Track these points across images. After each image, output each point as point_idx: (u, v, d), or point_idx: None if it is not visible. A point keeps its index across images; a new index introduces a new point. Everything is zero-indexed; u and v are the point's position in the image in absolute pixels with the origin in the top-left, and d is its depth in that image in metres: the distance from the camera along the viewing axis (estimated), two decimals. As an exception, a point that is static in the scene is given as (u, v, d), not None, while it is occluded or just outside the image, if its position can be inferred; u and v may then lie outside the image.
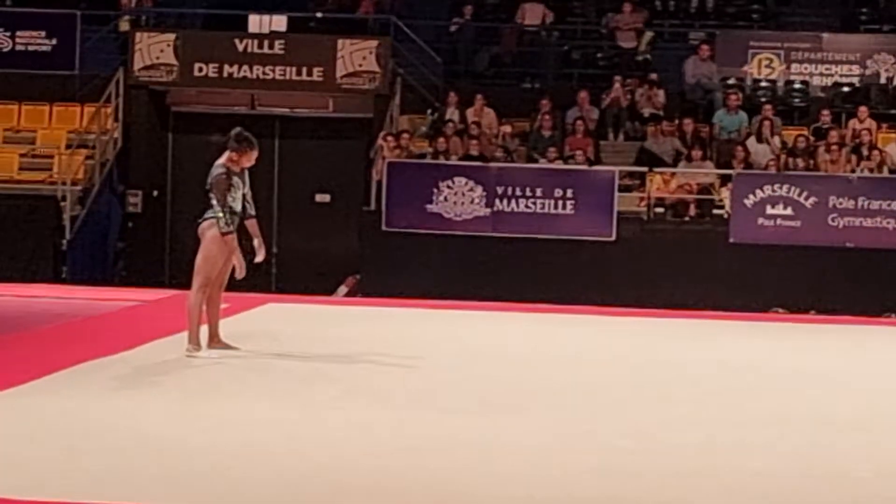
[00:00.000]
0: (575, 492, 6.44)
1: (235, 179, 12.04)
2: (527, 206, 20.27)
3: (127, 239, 22.24)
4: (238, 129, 13.17)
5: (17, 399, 8.69)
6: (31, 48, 22.65)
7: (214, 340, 11.90)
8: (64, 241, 20.57)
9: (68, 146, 21.84)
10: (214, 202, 11.91)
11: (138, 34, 22.30)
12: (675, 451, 7.87)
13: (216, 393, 9.82)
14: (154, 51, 22.12)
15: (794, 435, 8.97)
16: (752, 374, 11.97)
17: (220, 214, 11.78)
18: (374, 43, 22.24)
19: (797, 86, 22.54)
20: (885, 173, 20.56)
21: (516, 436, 8.73)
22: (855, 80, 22.49)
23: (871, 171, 20.63)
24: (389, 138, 21.28)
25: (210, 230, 11.91)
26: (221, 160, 12.12)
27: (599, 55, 23.74)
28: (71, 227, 20.75)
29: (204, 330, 11.94)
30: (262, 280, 20.18)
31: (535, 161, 21.04)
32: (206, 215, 12.04)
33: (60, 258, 20.39)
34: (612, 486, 6.73)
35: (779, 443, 8.63)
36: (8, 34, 22.62)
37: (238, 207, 12.05)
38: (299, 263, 21.71)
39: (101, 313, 14.38)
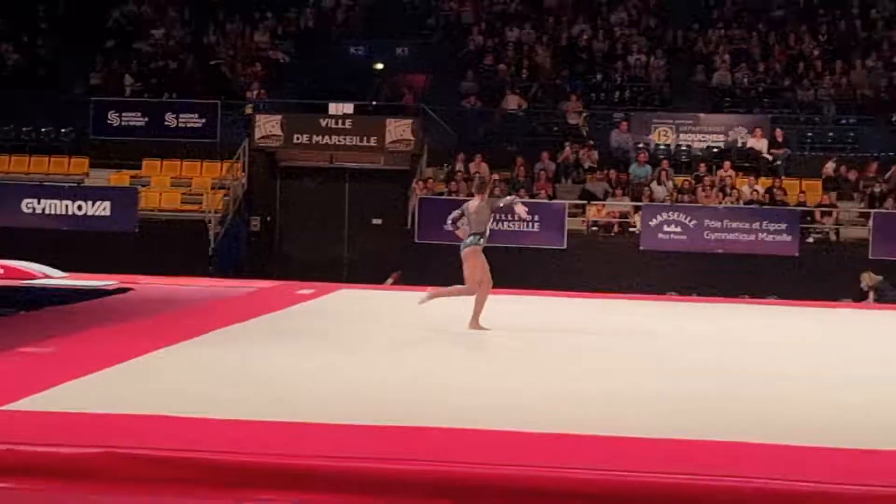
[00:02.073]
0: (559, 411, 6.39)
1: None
2: (508, 226, 20.36)
3: (250, 248, 22.38)
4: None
5: (185, 349, 8.54)
6: (189, 125, 22.69)
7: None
8: (210, 250, 20.72)
9: (212, 188, 21.95)
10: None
11: (258, 116, 22.34)
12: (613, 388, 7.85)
13: (316, 345, 10.06)
14: (267, 126, 22.19)
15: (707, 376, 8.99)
16: (667, 338, 11.24)
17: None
18: (409, 121, 22.22)
19: (683, 148, 22.57)
20: (740, 204, 20.83)
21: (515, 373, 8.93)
22: (721, 144, 22.55)
23: (731, 203, 20.91)
24: (420, 183, 21.51)
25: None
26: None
27: (556, 128, 23.62)
28: (214, 241, 20.88)
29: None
30: (338, 275, 20.43)
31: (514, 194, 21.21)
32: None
33: (208, 261, 20.44)
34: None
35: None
36: (174, 116, 22.77)
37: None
38: (361, 263, 21.80)
39: (234, 296, 14.34)
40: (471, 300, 11.20)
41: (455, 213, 11.70)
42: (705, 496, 4.46)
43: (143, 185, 21.99)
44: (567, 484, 4.48)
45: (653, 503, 4.45)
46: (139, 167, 22.58)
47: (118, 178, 22.28)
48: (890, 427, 6.11)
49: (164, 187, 22.21)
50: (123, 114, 23.08)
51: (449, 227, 12.02)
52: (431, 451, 4.84)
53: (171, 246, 20.08)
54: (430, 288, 12.28)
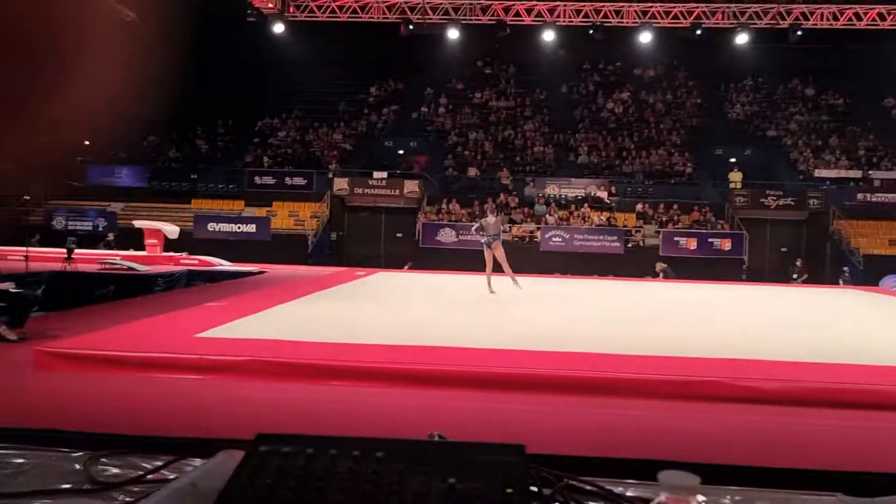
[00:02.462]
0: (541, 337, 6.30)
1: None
2: (470, 236, 20.48)
3: (331, 249, 22.24)
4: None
5: (296, 304, 8.58)
6: (297, 183, 22.70)
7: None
8: (309, 249, 20.72)
9: (311, 217, 21.89)
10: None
11: (335, 178, 22.46)
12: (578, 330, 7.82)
13: (367, 301, 10.12)
14: (340, 184, 22.29)
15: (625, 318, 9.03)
16: (574, 296, 11.66)
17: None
18: (417, 181, 22.35)
19: (563, 196, 22.63)
20: (593, 226, 20.92)
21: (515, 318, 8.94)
22: (582, 194, 22.58)
23: (588, 225, 20.99)
24: (422, 214, 21.59)
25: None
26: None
27: (495, 185, 23.63)
28: (311, 246, 20.85)
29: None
30: (378, 264, 20.48)
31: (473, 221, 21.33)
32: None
33: (307, 256, 20.43)
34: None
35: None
36: (290, 178, 22.75)
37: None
38: (391, 258, 21.80)
39: (322, 275, 14.15)
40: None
41: (477, 225, 11.98)
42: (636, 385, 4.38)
43: (273, 216, 21.91)
44: (552, 379, 4.42)
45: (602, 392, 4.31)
46: (271, 206, 22.49)
47: (260, 211, 22.22)
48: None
49: (284, 216, 22.09)
50: (263, 177, 23.14)
51: (474, 233, 12.07)
52: (443, 359, 4.87)
53: (288, 249, 20.00)
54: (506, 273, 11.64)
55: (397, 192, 22.29)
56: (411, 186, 22.28)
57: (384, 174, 22.64)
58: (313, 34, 25.04)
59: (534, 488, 0.91)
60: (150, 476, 1.15)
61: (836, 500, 0.98)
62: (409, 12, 21.13)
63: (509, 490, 0.76)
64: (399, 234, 22.80)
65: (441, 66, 27.28)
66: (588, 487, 0.93)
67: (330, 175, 23.08)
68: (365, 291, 11.11)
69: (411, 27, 20.98)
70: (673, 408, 4.09)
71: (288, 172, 23.39)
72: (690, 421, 3.90)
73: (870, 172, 23.20)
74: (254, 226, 20.97)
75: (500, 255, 11.36)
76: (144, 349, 4.86)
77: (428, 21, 21.19)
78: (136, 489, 1.08)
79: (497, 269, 11.62)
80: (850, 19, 20.50)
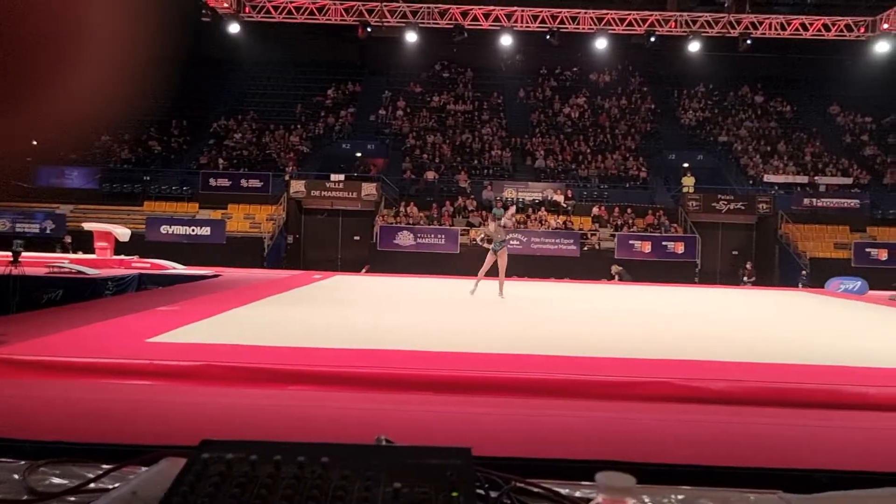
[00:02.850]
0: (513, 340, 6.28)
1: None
2: (427, 239, 20.51)
3: (287, 252, 22.08)
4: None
5: (251, 307, 8.47)
6: (254, 185, 22.47)
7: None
8: (265, 252, 20.47)
9: (266, 220, 21.65)
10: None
11: (292, 182, 22.24)
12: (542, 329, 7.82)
13: (324, 304, 10.02)
14: (297, 186, 22.07)
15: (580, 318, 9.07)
16: (542, 299, 11.78)
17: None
18: (374, 184, 22.29)
19: (520, 200, 22.77)
20: (550, 229, 21.10)
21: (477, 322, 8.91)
22: (539, 198, 22.78)
23: (545, 228, 21.16)
24: (379, 217, 21.49)
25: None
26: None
27: (453, 189, 23.58)
28: (266, 249, 20.62)
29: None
30: (334, 267, 20.37)
31: (431, 224, 21.28)
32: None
33: (263, 260, 20.20)
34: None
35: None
36: (246, 181, 22.47)
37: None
38: (348, 261, 21.72)
39: (278, 279, 13.98)
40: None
41: (483, 235, 11.79)
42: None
43: (228, 218, 21.60)
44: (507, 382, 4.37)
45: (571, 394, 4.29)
46: (226, 208, 22.18)
47: (214, 214, 21.88)
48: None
49: (239, 219, 21.80)
50: (218, 179, 22.80)
51: (480, 242, 11.95)
52: (394, 362, 4.84)
53: (243, 252, 19.79)
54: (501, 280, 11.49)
55: (355, 194, 22.17)
56: (369, 189, 22.18)
57: (341, 177, 22.50)
58: (270, 35, 24.80)
59: (481, 491, 0.91)
60: (91, 485, 1.12)
61: (776, 498, 1.00)
62: (366, 15, 21.06)
63: (454, 494, 0.76)
64: (356, 237, 22.71)
65: (399, 69, 27.30)
66: (535, 489, 0.94)
67: (286, 177, 22.86)
68: (321, 295, 10.99)
69: (369, 30, 20.91)
70: (623, 408, 4.13)
71: (243, 175, 23.09)
72: (641, 422, 3.95)
73: (815, 178, 23.92)
74: (208, 228, 20.62)
75: (502, 263, 11.27)
76: (92, 354, 4.72)
77: (386, 24, 21.14)
78: (74, 499, 1.05)
79: (491, 273, 11.52)
80: (796, 29, 21.12)
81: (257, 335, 6.02)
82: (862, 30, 21.10)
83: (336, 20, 21.34)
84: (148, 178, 23.48)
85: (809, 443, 3.51)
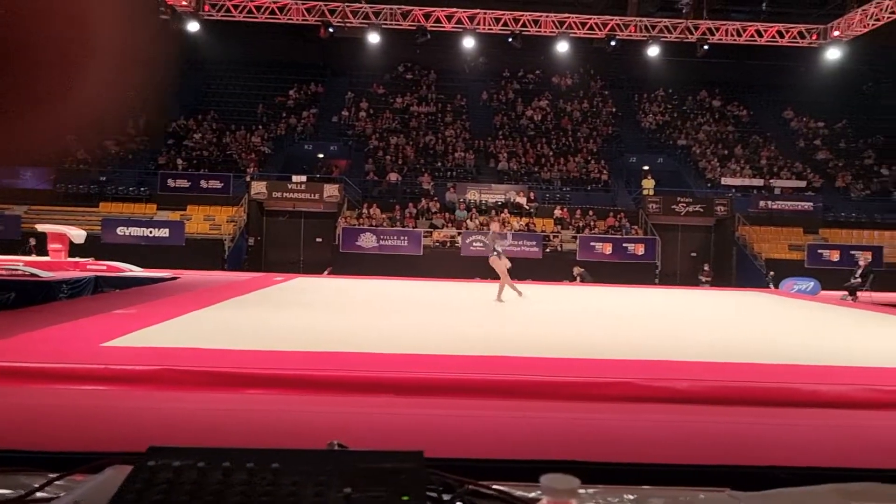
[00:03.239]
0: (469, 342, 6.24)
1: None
2: (390, 241, 20.45)
3: (248, 254, 21.83)
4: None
5: (210, 311, 8.32)
6: (214, 187, 22.17)
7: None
8: (225, 255, 20.20)
9: (227, 221, 21.38)
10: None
11: (253, 182, 22.00)
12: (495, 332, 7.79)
13: (284, 307, 9.92)
14: (258, 187, 21.86)
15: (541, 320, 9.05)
16: (508, 303, 11.97)
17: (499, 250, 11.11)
18: (336, 186, 22.16)
19: (483, 202, 22.85)
20: (513, 231, 21.19)
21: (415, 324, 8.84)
22: (502, 200, 22.88)
23: (508, 230, 21.26)
24: (342, 219, 21.38)
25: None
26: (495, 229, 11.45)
27: (416, 191, 23.61)
28: (227, 251, 20.33)
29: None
30: (297, 269, 20.19)
31: (394, 225, 21.23)
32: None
33: (223, 262, 19.93)
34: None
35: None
36: (206, 181, 22.17)
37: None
38: (310, 263, 21.57)
39: (238, 281, 13.78)
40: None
41: (489, 244, 11.72)
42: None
43: (187, 220, 21.23)
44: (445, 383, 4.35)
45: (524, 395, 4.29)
46: (185, 209, 21.83)
47: (173, 215, 21.50)
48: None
49: (199, 221, 21.46)
50: (177, 180, 22.45)
51: (488, 251, 11.83)
52: (353, 364, 4.81)
53: (203, 254, 19.49)
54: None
55: (317, 196, 22.01)
56: (331, 191, 22.04)
57: (303, 178, 22.31)
58: (230, 34, 24.47)
59: (434, 494, 0.91)
60: (37, 494, 1.08)
61: (725, 496, 1.02)
62: (328, 15, 20.90)
63: (405, 498, 0.76)
64: (319, 239, 22.55)
65: (362, 71, 27.19)
66: (488, 492, 0.94)
67: (247, 178, 22.60)
68: (283, 297, 10.87)
69: (331, 30, 20.76)
70: (586, 409, 4.16)
71: (203, 175, 22.76)
72: (604, 422, 3.98)
73: (771, 181, 24.47)
74: (167, 230, 20.26)
75: (497, 268, 11.36)
76: (45, 359, 4.59)
77: (348, 25, 21.02)
78: (16, 509, 1.01)
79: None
80: (751, 36, 21.58)
81: (216, 339, 5.92)
82: (814, 37, 21.65)
83: (298, 20, 21.14)
84: (104, 178, 22.98)
85: (766, 440, 3.59)
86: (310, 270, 19.84)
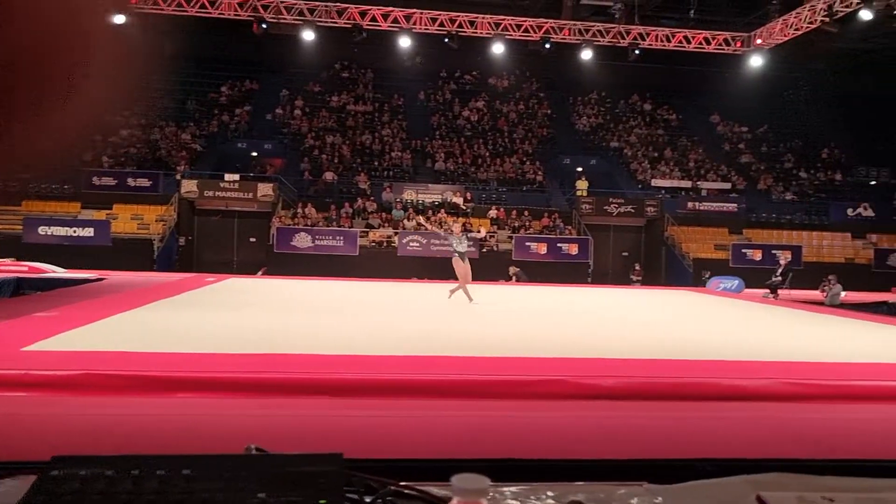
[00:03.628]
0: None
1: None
2: (326, 241, 20.26)
3: (178, 255, 21.30)
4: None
5: (135, 313, 8.17)
6: (142, 185, 21.55)
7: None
8: (154, 255, 19.67)
9: (156, 220, 20.83)
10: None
11: (183, 181, 21.47)
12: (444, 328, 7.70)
13: (215, 308, 9.72)
14: (189, 186, 21.35)
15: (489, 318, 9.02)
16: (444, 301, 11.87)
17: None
18: (270, 185, 21.82)
19: (420, 202, 22.81)
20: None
21: (349, 325, 8.72)
22: (439, 200, 22.89)
23: (445, 231, 21.29)
24: (276, 219, 21.07)
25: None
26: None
27: (353, 190, 23.48)
28: (156, 251, 19.82)
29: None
30: (230, 270, 19.80)
31: (330, 225, 21.04)
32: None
33: (153, 262, 19.40)
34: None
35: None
36: (134, 179, 21.55)
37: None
38: (244, 263, 21.19)
39: (169, 282, 13.49)
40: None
41: (453, 246, 11.47)
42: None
43: (114, 219, 20.55)
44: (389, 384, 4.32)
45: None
46: (111, 208, 21.11)
47: (99, 214, 20.75)
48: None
49: (126, 220, 20.80)
50: (102, 178, 21.67)
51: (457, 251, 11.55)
52: (281, 366, 4.73)
53: (131, 254, 18.83)
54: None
55: (250, 195, 21.61)
56: (265, 190, 21.68)
57: (236, 177, 21.86)
58: (159, 27, 23.73)
59: (354, 496, 0.90)
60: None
61: (642, 489, 1.04)
62: (262, 11, 20.54)
63: (322, 501, 0.75)
64: (252, 239, 22.17)
65: (297, 68, 26.78)
66: (410, 492, 0.93)
67: (178, 176, 22.01)
68: (214, 298, 10.65)
69: (265, 26, 20.39)
70: (520, 407, 4.20)
71: (131, 173, 22.06)
72: (536, 419, 4.03)
73: (698, 183, 25.28)
74: (92, 229, 19.55)
75: (457, 270, 11.27)
76: (-44, 366, 4.37)
77: (282, 21, 20.70)
78: None
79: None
80: (680, 42, 22.25)
81: (143, 341, 5.75)
82: (738, 44, 22.48)
83: (230, 15, 20.68)
84: (26, 175, 21.98)
85: (691, 434, 3.70)
86: (243, 271, 19.48)
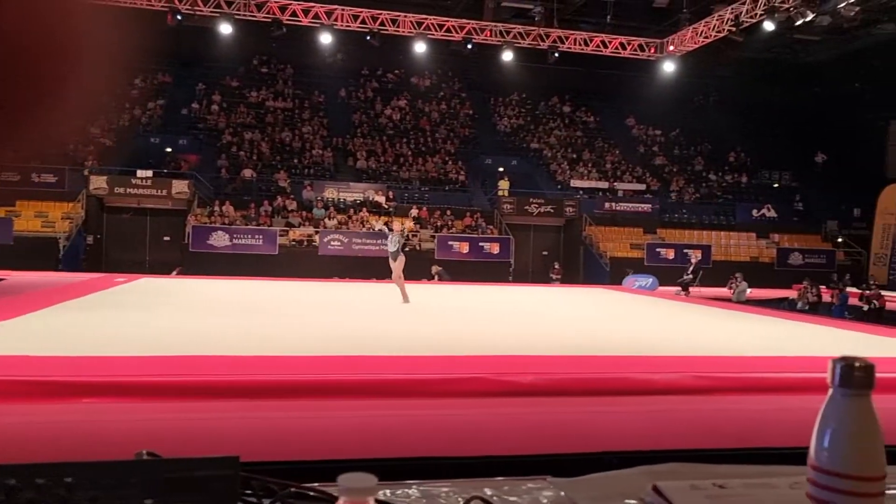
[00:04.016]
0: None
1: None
2: (244, 240, 19.84)
3: (86, 254, 20.39)
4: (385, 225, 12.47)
5: (38, 316, 7.92)
6: (47, 181, 20.46)
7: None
8: (60, 254, 18.79)
9: (62, 218, 19.90)
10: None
11: (92, 176, 20.58)
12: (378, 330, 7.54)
13: (124, 309, 9.40)
14: (98, 182, 20.49)
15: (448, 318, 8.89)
16: (369, 300, 11.73)
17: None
18: (186, 182, 21.17)
19: (341, 201, 22.59)
20: (371, 230, 21.15)
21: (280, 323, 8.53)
22: (361, 198, 22.68)
23: (367, 229, 21.18)
24: (192, 217, 20.48)
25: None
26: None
27: (272, 188, 23.07)
28: (62, 250, 18.97)
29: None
30: (142, 270, 19.14)
31: (248, 224, 20.61)
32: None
33: (58, 262, 18.53)
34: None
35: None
36: (38, 175, 20.30)
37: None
38: (157, 263, 20.48)
39: (75, 283, 12.97)
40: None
41: (389, 245, 11.50)
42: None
43: (16, 216, 19.47)
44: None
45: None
46: (13, 205, 20.00)
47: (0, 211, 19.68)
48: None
49: (30, 217, 19.76)
50: (3, 173, 20.35)
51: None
52: (192, 369, 4.58)
53: (35, 253, 17.85)
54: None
55: (164, 192, 20.90)
56: (180, 187, 21.00)
57: (149, 173, 21.09)
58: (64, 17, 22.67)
59: (253, 500, 0.88)
60: None
61: (546, 483, 1.06)
62: (176, 2, 19.87)
63: (215, 506, 0.73)
64: (166, 238, 21.46)
65: (214, 62, 26.08)
66: (311, 493, 0.92)
67: (85, 172, 21.07)
68: (124, 299, 10.24)
69: (179, 18, 19.73)
70: (440, 405, 4.22)
71: (34, 168, 20.86)
72: (455, 417, 4.05)
73: (615, 184, 26.05)
74: (-9, 227, 18.49)
75: (395, 269, 11.26)
76: None
77: (198, 13, 20.09)
78: None
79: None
80: (597, 46, 22.84)
81: (46, 345, 5.47)
82: (652, 50, 23.27)
83: (142, 5, 19.90)
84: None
85: (603, 428, 3.80)
86: (157, 271, 18.79)
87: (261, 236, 20.00)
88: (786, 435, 3.06)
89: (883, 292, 16.51)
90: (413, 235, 21.57)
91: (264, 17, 20.46)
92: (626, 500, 0.98)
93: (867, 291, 16.33)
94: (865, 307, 15.47)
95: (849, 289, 17.08)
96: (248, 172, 23.07)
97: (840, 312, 15.02)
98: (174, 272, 18.24)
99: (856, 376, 0.78)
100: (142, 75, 26.22)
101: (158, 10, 19.62)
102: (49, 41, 0.75)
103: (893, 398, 4.35)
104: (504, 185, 24.56)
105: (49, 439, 3.33)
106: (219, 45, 23.10)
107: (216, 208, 20.89)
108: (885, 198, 24.41)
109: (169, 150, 23.96)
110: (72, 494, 0.71)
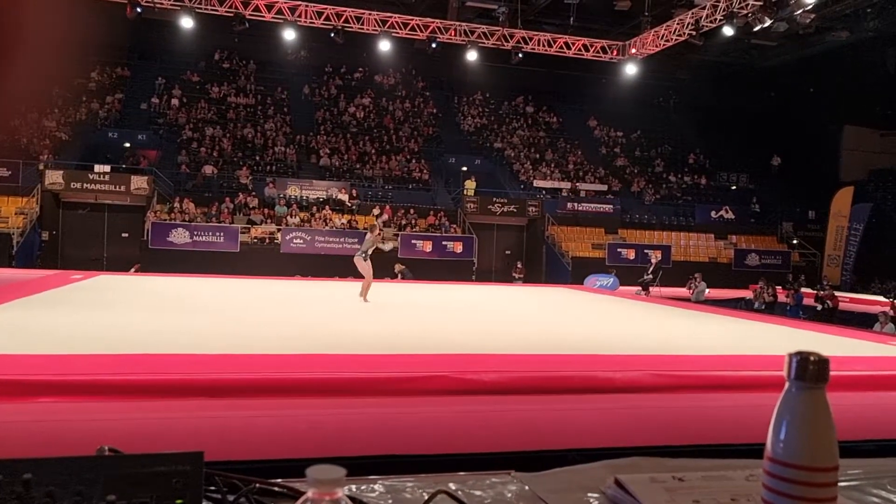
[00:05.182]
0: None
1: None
2: (205, 237, 19.55)
3: (42, 251, 19.89)
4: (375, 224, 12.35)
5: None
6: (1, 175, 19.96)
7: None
8: (13, 250, 18.29)
9: (16, 213, 19.37)
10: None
11: (47, 171, 20.05)
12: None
13: (79, 307, 9.19)
14: (53, 177, 19.96)
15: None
16: (332, 299, 11.68)
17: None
18: (145, 178, 20.77)
19: (304, 198, 22.42)
20: (335, 228, 21.02)
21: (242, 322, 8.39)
22: (324, 196, 22.52)
23: (330, 227, 21.05)
24: (151, 213, 20.10)
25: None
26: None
27: (234, 185, 22.76)
28: (16, 246, 18.44)
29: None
30: (99, 267, 18.77)
31: (209, 221, 20.31)
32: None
33: (11, 257, 18.04)
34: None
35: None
36: (-10, 168, 19.91)
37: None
38: (116, 259, 20.09)
39: (29, 279, 12.62)
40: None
41: (361, 246, 11.44)
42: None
43: (-33, 212, 18.95)
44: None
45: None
46: (-37, 200, 19.44)
47: (-52, 206, 19.05)
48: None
49: (-20, 213, 19.24)
50: (-47, 166, 19.90)
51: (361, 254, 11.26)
52: (152, 367, 4.50)
53: (-13, 250, 17.45)
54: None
55: (123, 188, 20.49)
56: (139, 183, 20.61)
57: (107, 168, 20.68)
58: (17, 5, 22.04)
59: (217, 496, 0.87)
60: None
61: (510, 478, 1.07)
62: (136, -6, 19.45)
63: (179, 501, 0.72)
64: (125, 235, 21.08)
65: (174, 56, 25.66)
66: (277, 489, 0.92)
67: (41, 167, 20.54)
68: (80, 297, 9.99)
69: (139, 10, 19.32)
70: (401, 403, 4.21)
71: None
72: (416, 414, 4.05)
73: (577, 185, 26.30)
74: (-60, 223, 17.91)
75: (363, 270, 11.20)
76: None
77: (158, 6, 19.71)
78: None
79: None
80: (561, 47, 23.03)
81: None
82: (615, 52, 23.54)
83: (101, -4, 19.46)
84: None
85: (565, 425, 3.84)
86: (114, 268, 18.44)
87: (222, 234, 19.73)
88: (743, 431, 3.12)
89: (836, 293, 16.97)
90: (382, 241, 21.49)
91: (226, 12, 20.15)
92: (589, 493, 1.00)
93: (821, 292, 16.77)
94: (819, 307, 15.89)
95: (804, 289, 17.51)
96: (209, 169, 22.73)
97: (795, 312, 15.40)
98: (133, 269, 17.89)
99: (811, 370, 0.81)
100: (99, 68, 25.67)
101: (117, 2, 19.16)
102: None
103: (845, 395, 4.50)
104: (470, 185, 24.61)
105: (4, 440, 3.24)
106: (179, 39, 22.72)
107: (176, 205, 20.54)
108: (839, 200, 25.11)
109: (127, 145, 23.49)
110: (28, 491, 0.70)
